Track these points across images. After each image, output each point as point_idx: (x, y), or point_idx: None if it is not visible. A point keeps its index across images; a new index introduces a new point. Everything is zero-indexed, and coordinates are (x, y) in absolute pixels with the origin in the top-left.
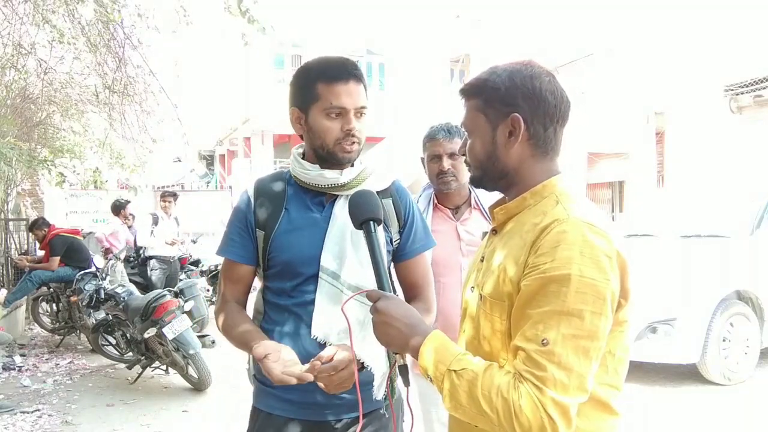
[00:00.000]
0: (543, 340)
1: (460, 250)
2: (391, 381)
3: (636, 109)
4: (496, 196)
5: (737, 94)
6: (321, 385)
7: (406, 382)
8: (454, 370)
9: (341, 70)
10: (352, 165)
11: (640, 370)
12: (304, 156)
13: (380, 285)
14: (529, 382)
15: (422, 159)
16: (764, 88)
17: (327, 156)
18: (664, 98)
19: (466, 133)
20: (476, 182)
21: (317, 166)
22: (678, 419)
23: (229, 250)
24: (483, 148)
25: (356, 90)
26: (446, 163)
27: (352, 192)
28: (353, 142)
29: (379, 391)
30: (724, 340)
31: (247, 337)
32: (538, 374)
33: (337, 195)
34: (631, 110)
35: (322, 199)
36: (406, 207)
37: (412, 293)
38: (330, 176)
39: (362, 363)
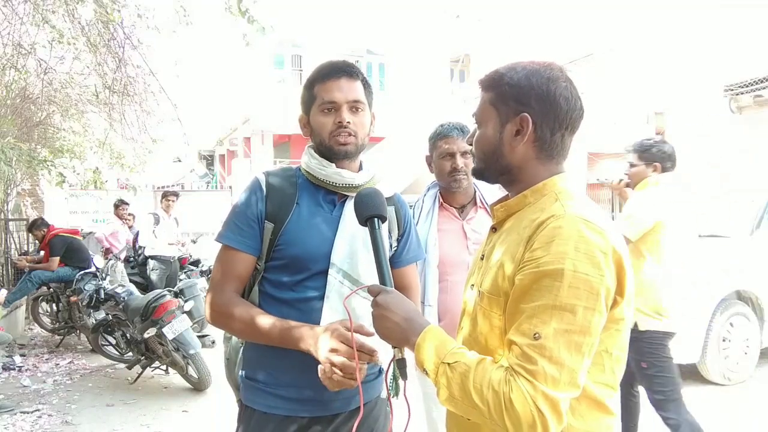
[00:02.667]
0: (535, 335)
1: (467, 248)
2: (394, 379)
3: (636, 109)
4: (501, 194)
5: (737, 94)
6: (327, 379)
7: (404, 376)
8: (448, 363)
9: (333, 68)
10: (362, 168)
11: None
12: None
13: (382, 280)
14: (520, 376)
15: (428, 157)
16: (764, 88)
17: (327, 151)
18: (664, 98)
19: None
20: (478, 174)
21: (333, 165)
22: None
23: (234, 238)
24: (489, 141)
25: (348, 85)
26: (460, 162)
27: None
28: (347, 134)
29: (382, 389)
30: (724, 340)
31: (288, 334)
32: (529, 368)
33: (348, 195)
34: (631, 110)
35: (334, 197)
36: (405, 217)
37: None
38: (347, 176)
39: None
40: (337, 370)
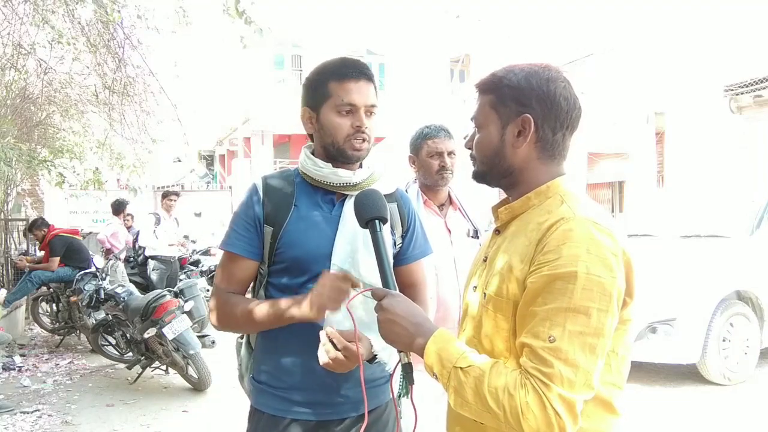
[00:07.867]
0: (550, 337)
1: (451, 243)
2: (404, 379)
3: (636, 109)
4: (494, 196)
5: (737, 94)
6: (326, 360)
7: (411, 380)
8: (461, 368)
9: (353, 69)
10: (361, 166)
11: (640, 370)
12: (314, 154)
13: (385, 284)
14: (535, 379)
15: (411, 157)
16: (764, 88)
17: (337, 153)
18: (664, 98)
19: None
20: (480, 177)
21: (330, 164)
22: (678, 419)
23: (234, 243)
24: (491, 144)
25: (366, 88)
26: (448, 160)
27: None
28: (363, 140)
29: (388, 391)
30: (724, 340)
31: (282, 315)
32: (544, 371)
33: (347, 194)
34: (631, 110)
35: (333, 197)
36: (409, 213)
37: (408, 296)
38: (344, 175)
39: (375, 355)
40: (330, 347)
